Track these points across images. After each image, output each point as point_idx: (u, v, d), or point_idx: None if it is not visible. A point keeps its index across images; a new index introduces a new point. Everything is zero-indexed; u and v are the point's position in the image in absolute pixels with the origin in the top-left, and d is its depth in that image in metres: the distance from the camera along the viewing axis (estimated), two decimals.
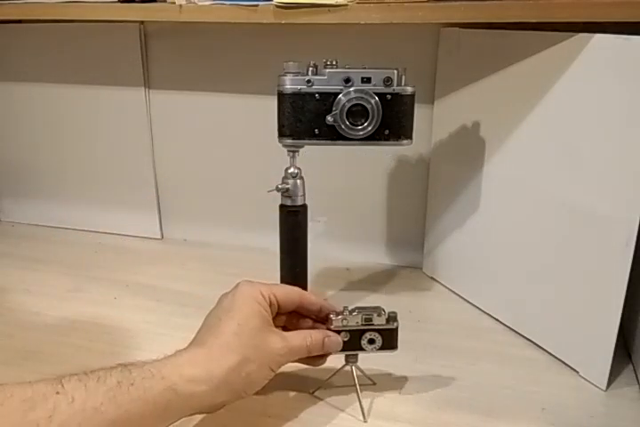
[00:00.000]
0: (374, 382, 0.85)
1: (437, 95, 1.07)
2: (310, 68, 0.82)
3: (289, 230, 0.92)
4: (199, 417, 0.78)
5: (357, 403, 0.79)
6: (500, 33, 0.92)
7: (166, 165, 1.31)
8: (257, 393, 0.73)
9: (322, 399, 0.81)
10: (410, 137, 0.85)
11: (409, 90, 0.82)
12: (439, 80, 1.06)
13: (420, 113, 1.08)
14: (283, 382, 0.85)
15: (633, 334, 0.91)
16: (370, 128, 0.82)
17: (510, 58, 0.90)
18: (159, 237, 1.37)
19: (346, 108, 0.81)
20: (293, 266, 0.93)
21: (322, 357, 0.78)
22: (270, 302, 0.75)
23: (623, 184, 0.76)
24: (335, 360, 0.83)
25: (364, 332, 0.78)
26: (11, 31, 1.29)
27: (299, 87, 0.82)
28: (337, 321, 0.77)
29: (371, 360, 0.88)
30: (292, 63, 0.82)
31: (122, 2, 0.99)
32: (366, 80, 0.81)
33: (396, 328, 0.78)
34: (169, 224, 1.36)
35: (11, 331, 0.98)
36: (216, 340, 0.70)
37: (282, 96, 0.83)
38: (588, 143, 0.80)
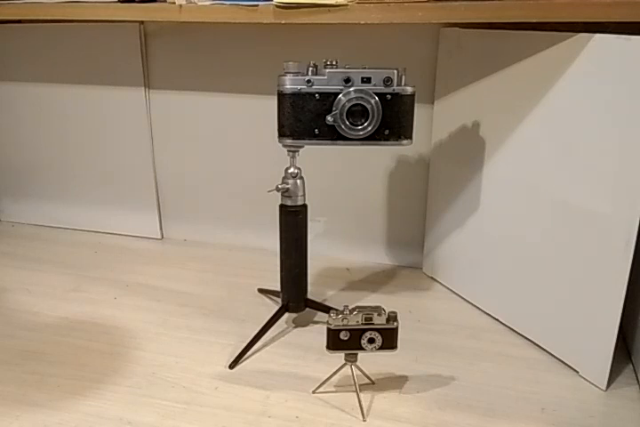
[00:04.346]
0: (374, 382, 0.85)
1: (437, 95, 1.07)
2: (310, 68, 0.82)
3: (289, 230, 0.92)
4: (199, 417, 0.78)
5: (357, 402, 0.79)
6: (500, 33, 0.92)
7: (166, 165, 1.31)
8: (257, 393, 0.73)
9: (322, 399, 0.82)
10: (410, 137, 0.85)
11: (409, 90, 0.82)
12: (439, 80, 1.06)
13: (420, 113, 1.09)
14: (283, 382, 0.85)
15: (633, 334, 0.91)
16: (370, 128, 0.82)
17: (510, 58, 0.90)
18: (159, 237, 1.37)
19: (346, 108, 0.81)
20: (293, 266, 0.93)
21: None
22: None
23: (623, 184, 0.76)
24: (335, 360, 0.83)
25: (364, 331, 0.78)
26: (11, 31, 1.29)
27: (299, 87, 0.82)
28: (337, 320, 0.77)
29: (370, 360, 0.88)
30: (291, 63, 0.82)
31: (122, 2, 0.99)
32: (366, 80, 0.81)
33: (396, 328, 0.78)
34: (169, 224, 1.36)
35: (11, 331, 0.98)
36: None
37: (282, 96, 0.83)
38: (588, 143, 0.80)
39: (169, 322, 1.01)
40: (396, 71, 0.81)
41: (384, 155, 1.15)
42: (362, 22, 0.86)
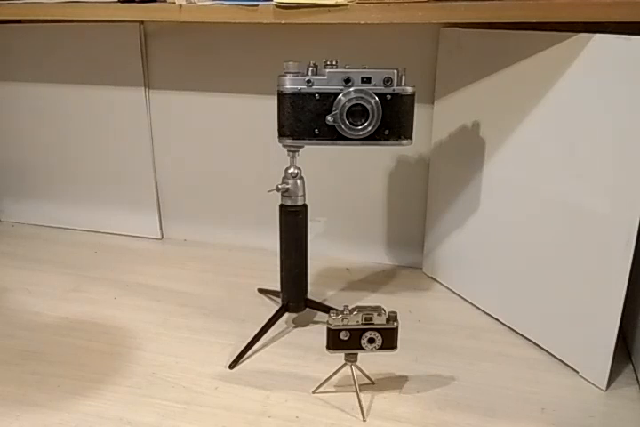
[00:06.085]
0: (374, 382, 0.85)
1: (437, 95, 1.07)
2: (310, 68, 0.82)
3: (289, 230, 0.92)
4: (199, 417, 0.78)
5: (357, 402, 0.79)
6: (500, 33, 0.92)
7: (166, 165, 1.31)
8: (257, 393, 0.73)
9: (322, 399, 0.82)
10: (410, 137, 0.85)
11: (409, 90, 0.82)
12: (439, 80, 1.06)
13: (420, 113, 1.09)
14: (283, 382, 0.85)
15: (633, 334, 0.91)
16: (370, 128, 0.82)
17: (510, 58, 0.90)
18: (159, 237, 1.37)
19: (346, 108, 0.81)
20: (293, 266, 0.93)
21: None
22: None
23: (623, 184, 0.76)
24: (335, 360, 0.83)
25: (364, 331, 0.78)
26: (11, 31, 1.29)
27: (299, 87, 0.82)
28: (337, 320, 0.77)
29: (370, 360, 0.88)
30: (291, 63, 0.82)
31: (122, 2, 0.99)
32: (366, 80, 0.81)
33: (396, 328, 0.78)
34: (169, 224, 1.36)
35: (11, 331, 0.98)
36: None
37: (282, 96, 0.83)
38: (588, 143, 0.80)
39: (169, 322, 1.01)
40: (396, 71, 0.81)
41: (384, 155, 1.15)
42: (362, 22, 0.86)
